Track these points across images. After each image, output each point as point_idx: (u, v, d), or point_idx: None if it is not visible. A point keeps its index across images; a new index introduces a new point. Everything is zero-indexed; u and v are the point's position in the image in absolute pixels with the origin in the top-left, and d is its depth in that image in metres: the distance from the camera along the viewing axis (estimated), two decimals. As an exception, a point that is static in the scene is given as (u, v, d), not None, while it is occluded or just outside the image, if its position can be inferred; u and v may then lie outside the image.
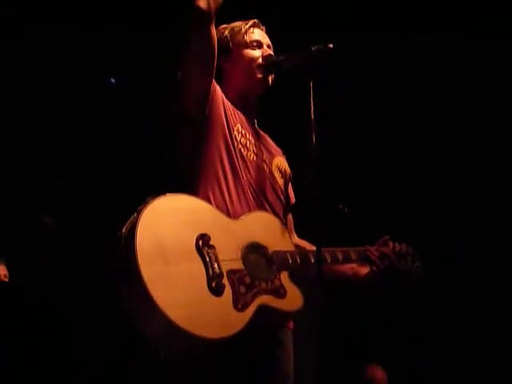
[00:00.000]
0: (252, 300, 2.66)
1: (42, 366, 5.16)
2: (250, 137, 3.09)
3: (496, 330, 5.94)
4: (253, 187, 2.98)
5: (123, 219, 2.67)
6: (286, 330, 2.97)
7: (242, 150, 3.01)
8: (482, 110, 5.92)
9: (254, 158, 3.05)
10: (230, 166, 2.95)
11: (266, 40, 3.25)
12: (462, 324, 6.01)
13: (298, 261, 2.87)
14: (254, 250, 2.79)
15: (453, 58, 5.84)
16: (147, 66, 5.95)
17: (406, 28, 5.61)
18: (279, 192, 3.13)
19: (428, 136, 6.11)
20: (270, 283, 2.75)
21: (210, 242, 2.68)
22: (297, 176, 3.29)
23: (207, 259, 2.64)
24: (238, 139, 3.01)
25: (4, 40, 5.56)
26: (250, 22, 3.26)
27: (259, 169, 3.05)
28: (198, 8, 2.79)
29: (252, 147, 3.06)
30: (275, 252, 2.83)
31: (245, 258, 2.74)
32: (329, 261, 3.00)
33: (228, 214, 2.86)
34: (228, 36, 3.19)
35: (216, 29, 2.98)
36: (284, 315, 2.86)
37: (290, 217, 3.31)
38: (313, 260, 2.84)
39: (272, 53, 3.22)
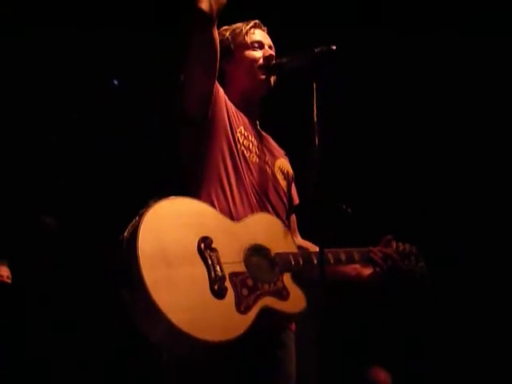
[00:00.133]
0: (255, 302, 2.65)
1: (41, 367, 5.16)
2: (253, 139, 3.08)
3: (496, 329, 5.94)
4: (255, 189, 2.98)
5: (123, 219, 2.67)
6: (288, 331, 2.96)
7: (245, 152, 3.01)
8: (482, 110, 5.91)
9: (257, 160, 3.05)
10: (232, 167, 2.94)
11: (267, 40, 3.24)
12: (462, 324, 6.00)
13: (301, 262, 2.86)
14: (256, 252, 2.78)
15: (452, 57, 5.82)
16: (147, 66, 5.94)
17: (405, 27, 5.59)
18: (282, 194, 3.13)
19: (429, 136, 6.10)
20: (272, 285, 2.74)
21: (212, 245, 2.67)
22: (300, 177, 3.28)
23: (209, 262, 2.63)
24: (241, 141, 3.01)
25: (4, 40, 5.55)
26: (251, 23, 3.25)
27: (262, 171, 3.04)
28: (201, 10, 2.78)
29: (255, 149, 3.06)
30: (278, 254, 2.83)
31: (247, 260, 2.73)
32: (332, 262, 2.99)
33: (231, 216, 2.85)
34: (229, 38, 3.18)
35: (217, 30, 2.97)
36: (287, 317, 2.85)
37: (293, 217, 3.31)
38: (315, 261, 2.83)
39: (273, 53, 3.21)
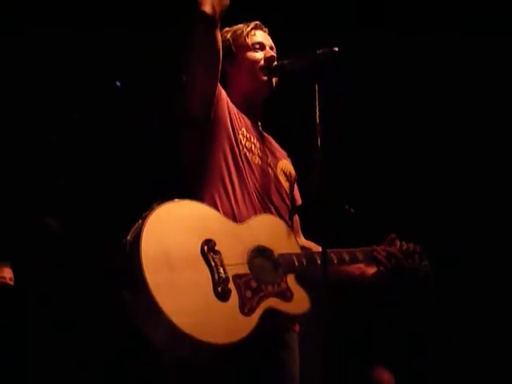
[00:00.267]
0: (258, 304, 2.65)
1: (41, 368, 5.16)
2: (255, 140, 3.09)
3: (499, 329, 5.94)
4: (258, 191, 2.98)
5: (124, 218, 2.66)
6: (292, 332, 2.97)
7: (247, 153, 3.01)
8: (483, 111, 5.91)
9: (259, 161, 3.05)
10: (235, 169, 2.95)
11: (268, 41, 3.25)
12: (465, 324, 6.00)
13: (305, 263, 2.86)
14: (259, 254, 2.79)
15: (453, 59, 5.82)
16: (147, 65, 5.94)
17: (406, 28, 5.59)
18: (284, 195, 3.13)
19: (431, 136, 6.10)
20: (276, 286, 2.74)
21: (216, 248, 2.67)
22: (303, 178, 3.28)
23: (213, 264, 2.63)
24: (243, 143, 3.02)
25: (4, 40, 5.55)
26: (252, 24, 3.26)
27: (264, 172, 3.05)
28: (203, 13, 2.79)
29: (257, 151, 3.06)
30: (281, 255, 2.83)
31: (250, 262, 2.74)
32: (335, 262, 3.00)
33: (234, 218, 2.85)
34: (230, 39, 3.19)
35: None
36: (291, 318, 2.86)
37: (296, 218, 3.31)
38: (319, 261, 2.83)
39: (274, 54, 3.21)
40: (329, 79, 2.89)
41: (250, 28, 3.23)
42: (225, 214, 2.85)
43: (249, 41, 3.19)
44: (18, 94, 5.87)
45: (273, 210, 3.01)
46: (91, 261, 5.75)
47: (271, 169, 3.11)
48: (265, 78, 3.14)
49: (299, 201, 3.31)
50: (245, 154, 3.00)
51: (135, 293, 2.56)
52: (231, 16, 3.08)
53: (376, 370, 5.77)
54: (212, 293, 2.59)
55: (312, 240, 3.25)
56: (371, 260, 3.16)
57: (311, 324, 2.80)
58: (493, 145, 6.02)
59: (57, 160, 6.15)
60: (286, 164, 3.24)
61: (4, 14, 5.55)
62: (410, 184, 6.20)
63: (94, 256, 5.68)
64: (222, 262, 2.66)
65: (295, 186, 3.30)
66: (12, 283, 5.33)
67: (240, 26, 3.25)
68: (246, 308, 2.62)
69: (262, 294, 2.69)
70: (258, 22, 3.27)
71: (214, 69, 2.92)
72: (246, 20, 3.33)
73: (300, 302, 2.78)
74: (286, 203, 3.13)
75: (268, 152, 3.15)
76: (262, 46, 3.20)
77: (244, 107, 3.13)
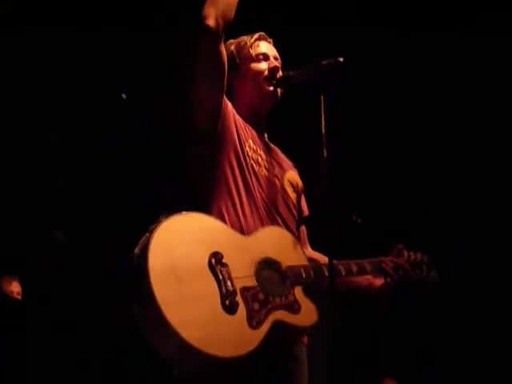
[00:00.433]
0: (266, 316, 2.65)
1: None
2: (262, 152, 3.09)
3: (508, 341, 5.93)
4: (265, 202, 2.98)
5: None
6: (300, 345, 2.96)
7: (254, 165, 3.01)
8: (483, 112, 5.90)
9: (266, 173, 3.05)
10: (242, 181, 2.95)
11: (272, 52, 3.25)
12: (473, 334, 6.00)
13: (312, 275, 2.86)
14: (267, 266, 2.78)
15: (456, 61, 5.82)
16: (147, 65, 5.93)
17: (408, 29, 5.58)
18: (291, 206, 3.13)
19: (439, 146, 6.08)
20: (283, 298, 2.74)
21: (223, 260, 2.67)
22: (309, 189, 3.29)
23: (220, 277, 2.63)
24: (250, 155, 3.02)
25: (4, 40, 5.54)
26: (256, 36, 3.26)
27: (271, 184, 3.05)
28: (207, 27, 2.81)
29: (263, 162, 3.06)
30: (288, 267, 2.83)
31: (258, 274, 2.73)
32: (343, 273, 3.00)
33: (241, 230, 2.85)
34: (234, 51, 3.19)
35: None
36: (298, 330, 2.85)
37: (303, 229, 3.31)
38: (327, 273, 2.83)
39: (279, 64, 3.21)
40: (334, 90, 2.89)
41: (253, 39, 3.23)
42: (232, 226, 2.85)
43: (252, 52, 3.19)
44: (18, 94, 5.86)
45: (280, 221, 3.01)
46: (95, 265, 5.75)
47: (278, 180, 3.11)
48: (270, 88, 3.14)
49: (306, 212, 3.31)
50: (251, 166, 3.00)
51: (143, 306, 2.57)
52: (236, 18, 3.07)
53: (383, 381, 5.77)
54: (220, 306, 2.59)
55: (319, 251, 3.25)
56: (379, 271, 3.16)
57: (319, 335, 2.81)
58: (493, 144, 6.00)
59: (57, 160, 6.14)
60: (292, 175, 3.24)
61: (4, 14, 5.53)
62: (417, 193, 6.19)
63: (96, 260, 5.68)
64: (229, 274, 2.65)
65: (302, 197, 3.29)
66: (20, 297, 5.34)
67: (244, 37, 3.25)
68: (253, 321, 2.62)
69: (269, 306, 2.69)
70: (261, 33, 3.27)
71: (219, 82, 2.93)
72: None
73: (308, 314, 2.78)
74: (293, 214, 3.13)
75: (275, 163, 3.15)
76: (265, 57, 3.20)
77: (250, 118, 3.13)
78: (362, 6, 5.52)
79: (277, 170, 3.14)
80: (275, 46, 3.31)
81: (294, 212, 3.15)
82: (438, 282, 3.29)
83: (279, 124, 3.27)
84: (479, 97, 5.86)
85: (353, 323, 5.44)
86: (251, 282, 2.70)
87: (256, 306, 2.66)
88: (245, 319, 2.61)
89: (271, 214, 2.99)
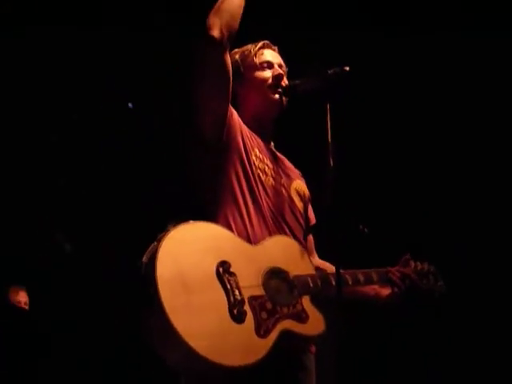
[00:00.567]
0: (274, 326, 2.66)
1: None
2: (268, 161, 3.10)
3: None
4: (272, 212, 2.99)
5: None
6: (308, 354, 2.98)
7: (261, 174, 3.02)
8: (484, 113, 5.90)
9: (273, 182, 3.06)
10: (248, 191, 2.96)
11: (277, 60, 3.26)
12: (481, 344, 5.99)
13: (319, 284, 2.87)
14: (274, 275, 2.79)
15: (453, 59, 5.82)
16: (147, 65, 5.93)
17: (409, 31, 5.58)
18: (298, 215, 3.14)
19: (447, 155, 6.06)
20: (291, 308, 2.75)
21: (231, 269, 2.68)
22: (316, 198, 3.30)
23: (228, 286, 2.64)
24: (257, 164, 3.03)
25: (4, 40, 5.54)
26: (260, 44, 3.27)
27: (278, 193, 3.06)
28: (212, 37, 2.82)
29: (270, 172, 3.07)
30: (296, 276, 2.84)
31: (266, 283, 2.74)
32: (350, 283, 3.01)
33: (248, 239, 2.86)
34: (239, 60, 3.20)
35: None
36: (306, 339, 2.86)
37: (310, 238, 3.32)
38: (334, 282, 2.84)
39: (283, 72, 3.22)
40: (340, 98, 2.90)
41: (257, 47, 3.24)
42: (239, 235, 2.86)
43: (257, 60, 3.20)
44: (18, 94, 5.86)
45: (287, 230, 3.02)
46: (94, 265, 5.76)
47: (285, 189, 3.12)
48: (275, 96, 3.15)
49: (313, 220, 3.32)
50: (258, 175, 3.01)
51: (151, 314, 2.58)
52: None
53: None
54: (228, 315, 2.60)
55: (326, 260, 3.27)
56: (386, 281, 3.17)
57: (326, 344, 2.82)
58: (494, 145, 6.00)
59: (57, 160, 6.14)
60: (299, 184, 3.25)
61: (4, 13, 5.52)
62: (423, 202, 6.19)
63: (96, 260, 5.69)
64: (237, 283, 2.66)
65: (309, 206, 3.31)
66: (27, 307, 5.35)
67: (248, 46, 3.26)
68: (261, 330, 2.63)
69: (277, 315, 2.70)
70: (266, 41, 3.28)
71: (224, 91, 2.93)
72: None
73: (315, 323, 2.79)
74: (300, 223, 3.14)
75: (281, 172, 3.17)
76: (270, 65, 3.21)
77: (255, 127, 3.14)
78: (362, 9, 5.51)
79: (283, 179, 3.15)
80: (280, 53, 3.31)
81: (301, 221, 3.16)
82: (446, 291, 3.30)
83: (286, 133, 3.28)
84: (490, 105, 5.83)
85: (360, 332, 5.44)
86: (259, 291, 2.71)
87: (264, 315, 2.67)
88: (253, 328, 2.62)
89: (278, 223, 3.00)
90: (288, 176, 3.21)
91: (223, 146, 2.97)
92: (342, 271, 2.87)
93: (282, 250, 2.89)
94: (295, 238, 3.04)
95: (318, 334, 2.79)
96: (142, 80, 5.98)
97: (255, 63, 3.20)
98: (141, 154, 6.14)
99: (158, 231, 2.71)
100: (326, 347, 2.89)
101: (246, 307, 2.64)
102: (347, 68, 2.93)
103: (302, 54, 3.47)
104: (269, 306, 2.70)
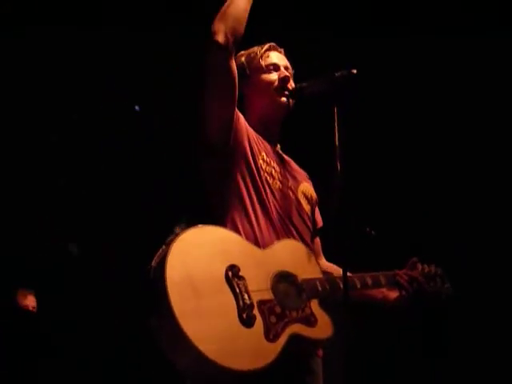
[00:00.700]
0: (283, 330, 2.66)
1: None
2: (275, 164, 3.10)
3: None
4: (280, 215, 3.00)
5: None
6: (315, 357, 2.99)
7: (268, 178, 3.03)
8: (484, 114, 5.90)
9: (280, 186, 3.06)
10: (256, 195, 2.96)
11: (283, 62, 3.26)
12: (489, 345, 5.98)
13: (328, 288, 2.88)
14: (283, 279, 2.80)
15: (453, 59, 5.82)
16: (147, 65, 5.93)
17: (412, 32, 5.58)
18: (306, 218, 3.15)
19: (455, 160, 6.05)
20: (300, 312, 2.76)
21: (240, 273, 2.69)
22: (323, 200, 3.30)
23: (237, 290, 2.64)
24: (264, 168, 3.03)
25: (4, 40, 5.53)
26: (266, 46, 3.27)
27: (285, 197, 3.06)
28: (217, 42, 2.82)
29: (277, 175, 3.08)
30: (304, 280, 2.84)
31: (274, 287, 2.75)
32: (358, 286, 3.01)
33: (256, 243, 2.87)
34: (245, 63, 3.20)
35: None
36: (315, 343, 2.87)
37: (317, 240, 3.33)
38: (342, 286, 2.85)
39: (289, 74, 3.22)
40: (347, 101, 2.90)
41: (263, 50, 3.24)
42: (247, 238, 2.86)
43: (263, 63, 3.20)
44: (18, 94, 5.85)
45: (295, 233, 3.03)
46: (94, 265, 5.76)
47: (292, 192, 3.12)
48: (281, 99, 3.15)
49: (320, 223, 3.33)
50: (265, 179, 3.01)
51: (160, 318, 2.59)
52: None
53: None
54: (237, 319, 2.61)
55: (333, 262, 3.27)
56: (393, 284, 3.18)
57: (334, 348, 2.83)
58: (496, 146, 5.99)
59: (57, 160, 6.14)
60: (306, 187, 3.25)
61: (4, 13, 5.51)
62: (431, 206, 6.18)
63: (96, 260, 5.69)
64: (246, 287, 2.67)
65: (316, 208, 3.31)
66: (35, 311, 5.34)
67: (254, 48, 3.26)
68: (270, 334, 2.63)
69: (286, 319, 2.70)
70: (272, 44, 3.28)
71: (230, 96, 2.93)
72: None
73: (324, 327, 2.79)
74: (307, 226, 3.15)
75: (288, 175, 3.17)
76: (276, 67, 3.21)
77: (262, 130, 3.14)
78: (362, 10, 5.51)
79: (291, 182, 3.15)
80: (286, 55, 3.31)
81: (309, 224, 3.17)
82: (453, 294, 3.31)
83: (292, 136, 3.27)
84: (490, 105, 5.83)
85: (368, 336, 5.44)
86: (268, 295, 2.72)
87: (273, 319, 2.67)
88: (262, 332, 2.62)
89: (286, 226, 3.00)
90: (295, 178, 3.21)
91: (230, 151, 2.97)
92: (350, 275, 2.89)
93: (290, 254, 2.90)
94: (303, 240, 3.05)
95: (326, 338, 2.79)
96: (141, 80, 5.96)
97: (261, 66, 3.19)
98: (141, 154, 6.12)
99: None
100: (334, 351, 2.89)
101: (255, 311, 2.65)
102: (355, 71, 2.92)
103: (302, 53, 3.43)
104: (278, 310, 2.71)
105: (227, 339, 2.56)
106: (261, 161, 3.03)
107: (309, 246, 3.07)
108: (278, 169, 3.11)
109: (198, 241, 2.72)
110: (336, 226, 2.73)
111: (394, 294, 3.22)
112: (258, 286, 2.71)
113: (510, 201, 5.98)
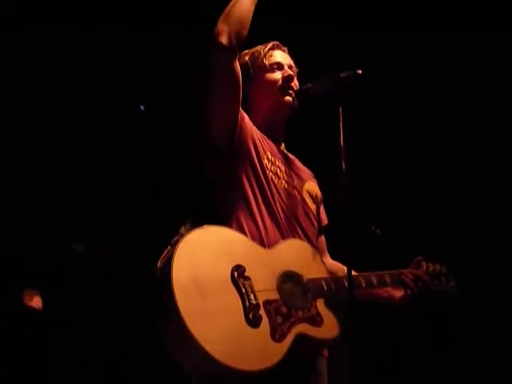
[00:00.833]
0: (289, 330, 2.67)
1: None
2: (280, 164, 3.11)
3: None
4: (286, 215, 3.00)
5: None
6: (320, 357, 2.99)
7: (273, 178, 3.03)
8: (485, 114, 5.90)
9: (285, 185, 3.07)
10: (261, 195, 2.97)
11: (286, 61, 3.26)
12: (494, 345, 5.98)
13: (333, 287, 2.89)
14: (289, 279, 2.81)
15: (453, 59, 5.81)
16: (147, 65, 5.92)
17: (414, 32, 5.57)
18: (312, 217, 3.16)
19: (460, 160, 6.04)
20: (306, 311, 2.77)
21: (245, 274, 2.70)
22: (328, 199, 3.30)
23: (243, 291, 2.66)
24: (269, 167, 3.03)
25: (4, 40, 5.52)
26: (269, 45, 3.27)
27: (291, 196, 3.07)
28: (221, 44, 2.82)
29: (282, 175, 3.08)
30: (310, 280, 2.85)
31: (280, 287, 2.76)
32: (363, 285, 3.03)
33: (262, 243, 2.88)
34: (249, 62, 3.21)
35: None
36: (321, 343, 2.87)
37: (322, 239, 3.34)
38: (347, 285, 2.85)
39: (293, 73, 3.23)
40: (353, 102, 2.90)
41: (267, 49, 3.24)
42: (252, 239, 2.87)
43: (266, 62, 3.21)
44: (17, 94, 5.84)
45: (300, 232, 3.04)
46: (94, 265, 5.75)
47: (297, 191, 3.13)
48: (285, 97, 3.15)
49: (325, 222, 3.33)
50: (271, 179, 3.02)
51: (166, 319, 2.59)
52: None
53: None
54: (243, 319, 2.62)
55: (338, 261, 3.28)
56: (398, 283, 3.19)
57: (339, 347, 2.83)
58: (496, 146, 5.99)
59: (57, 160, 6.12)
60: (311, 186, 3.26)
61: (4, 14, 5.50)
62: (436, 204, 6.17)
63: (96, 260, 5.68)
64: (252, 288, 2.68)
65: (321, 207, 3.31)
66: (40, 311, 5.32)
67: (258, 47, 3.26)
68: (277, 334, 2.64)
69: (292, 319, 2.71)
70: (275, 42, 3.28)
71: (234, 97, 2.94)
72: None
73: (330, 326, 2.80)
74: (313, 225, 3.16)
75: (293, 175, 3.17)
76: (279, 66, 3.22)
77: (266, 129, 3.15)
78: (362, 8, 5.51)
79: (296, 181, 3.16)
80: (290, 53, 3.31)
81: (315, 222, 3.18)
82: (457, 292, 3.32)
83: (298, 137, 3.27)
84: (491, 106, 5.82)
85: (372, 335, 5.44)
86: (274, 295, 2.73)
87: (279, 319, 2.68)
88: (268, 332, 2.63)
89: (292, 226, 3.01)
90: (300, 177, 3.22)
91: (235, 151, 2.98)
92: (355, 274, 2.89)
93: (295, 254, 2.91)
94: (308, 239, 3.06)
95: (332, 338, 2.80)
96: (141, 80, 5.96)
97: (265, 65, 3.20)
98: (141, 154, 6.11)
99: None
100: (339, 350, 2.89)
101: (262, 311, 2.66)
102: (360, 71, 2.92)
103: (302, 52, 3.43)
104: (284, 310, 2.72)
105: (233, 339, 2.57)
106: (266, 160, 3.03)
107: (314, 245, 3.08)
108: (283, 168, 3.11)
109: (204, 241, 2.72)
110: (341, 225, 2.73)
111: (399, 293, 3.23)
112: (264, 286, 2.72)
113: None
